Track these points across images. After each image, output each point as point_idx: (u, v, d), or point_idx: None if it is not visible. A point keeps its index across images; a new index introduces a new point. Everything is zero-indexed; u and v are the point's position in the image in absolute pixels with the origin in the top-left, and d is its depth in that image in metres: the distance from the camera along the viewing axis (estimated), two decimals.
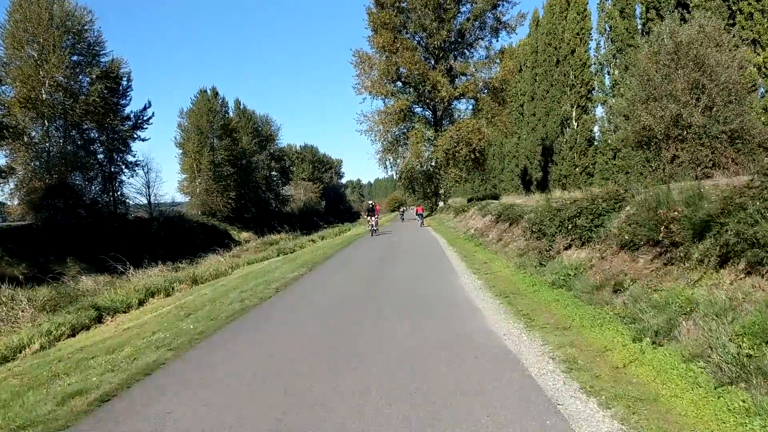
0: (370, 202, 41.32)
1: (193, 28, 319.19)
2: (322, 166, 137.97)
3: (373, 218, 35.94)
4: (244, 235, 77.59)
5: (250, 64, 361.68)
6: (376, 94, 55.85)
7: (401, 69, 55.12)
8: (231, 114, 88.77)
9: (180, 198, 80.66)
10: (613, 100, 50.83)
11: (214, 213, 77.56)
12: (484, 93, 55.52)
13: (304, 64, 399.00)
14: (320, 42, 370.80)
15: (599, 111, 52.91)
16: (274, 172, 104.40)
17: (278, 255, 28.42)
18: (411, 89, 57.04)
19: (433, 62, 56.66)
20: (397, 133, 57.86)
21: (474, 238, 24.05)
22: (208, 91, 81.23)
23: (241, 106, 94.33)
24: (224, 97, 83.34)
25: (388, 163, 58.22)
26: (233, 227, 78.01)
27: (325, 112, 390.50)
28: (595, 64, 53.05)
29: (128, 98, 64.78)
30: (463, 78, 56.47)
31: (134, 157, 66.42)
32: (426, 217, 58.22)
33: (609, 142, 51.02)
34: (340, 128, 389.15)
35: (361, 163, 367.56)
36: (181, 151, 79.48)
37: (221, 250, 36.64)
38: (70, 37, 57.05)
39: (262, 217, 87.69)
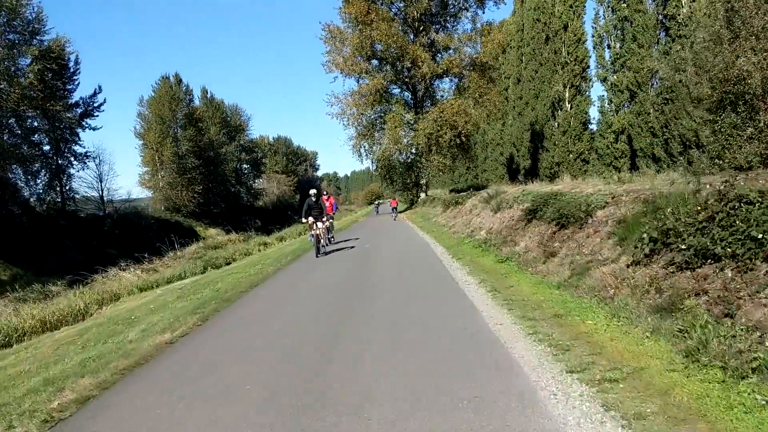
0: (313, 191, 20.16)
1: (157, 13, 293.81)
2: (296, 159, 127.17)
3: (319, 224, 18.60)
4: (212, 231, 67.72)
5: (219, 54, 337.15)
6: (348, 72, 46.31)
7: (377, 45, 45.85)
8: (197, 103, 78.45)
9: (142, 194, 70.70)
10: (614, 77, 42.75)
11: (178, 208, 67.53)
12: (470, 70, 46.27)
13: (277, 54, 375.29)
14: (294, 31, 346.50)
15: (598, 90, 44.70)
16: (245, 165, 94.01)
17: (204, 270, 18.77)
18: (388, 67, 47.53)
19: (412, 36, 47.08)
20: (372, 116, 48.30)
21: (490, 247, 14.34)
22: (171, 78, 70.91)
23: (209, 95, 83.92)
24: (188, 85, 73.12)
25: (362, 150, 48.74)
26: (199, 223, 67.98)
27: (299, 104, 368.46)
28: (594, 36, 44.35)
29: (76, 83, 54.57)
30: (446, 54, 47.15)
31: (84, 148, 56.42)
32: (405, 210, 50.03)
33: (611, 123, 42.93)
34: (316, 120, 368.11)
35: (338, 156, 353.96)
36: (141, 142, 69.21)
37: (140, 258, 27.57)
38: (3, 13, 46.86)
39: (232, 212, 77.78)
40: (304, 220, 18.84)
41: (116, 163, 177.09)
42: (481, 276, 11.11)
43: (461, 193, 30.09)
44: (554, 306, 7.86)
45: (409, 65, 45.46)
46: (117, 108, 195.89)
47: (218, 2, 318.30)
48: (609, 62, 43.41)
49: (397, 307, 9.20)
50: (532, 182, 35.47)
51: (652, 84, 39.24)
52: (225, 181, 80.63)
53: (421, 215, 36.67)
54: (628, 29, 39.72)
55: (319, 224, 18.59)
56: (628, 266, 7.79)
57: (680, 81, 35.10)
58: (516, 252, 12.56)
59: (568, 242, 10.59)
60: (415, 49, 43.98)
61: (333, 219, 23.17)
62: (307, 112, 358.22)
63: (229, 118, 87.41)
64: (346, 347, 6.83)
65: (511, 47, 53.99)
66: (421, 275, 12.50)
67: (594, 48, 44.47)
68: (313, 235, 18.89)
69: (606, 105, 43.93)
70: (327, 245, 20.35)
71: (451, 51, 46.74)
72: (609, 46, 43.35)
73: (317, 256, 17.65)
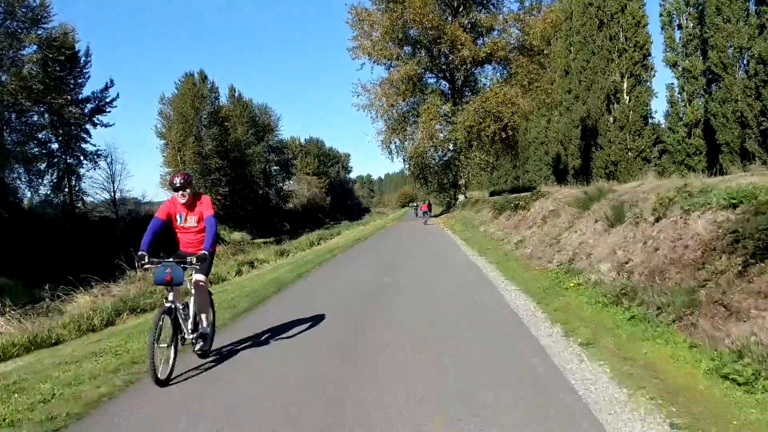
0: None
1: (184, 10, 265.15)
2: (328, 160, 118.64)
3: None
4: (236, 235, 60.58)
5: (250, 52, 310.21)
6: (377, 58, 38.39)
7: (410, 30, 38.00)
8: (224, 101, 71.45)
9: (164, 196, 63.74)
10: (687, 61, 34.72)
11: None
12: (517, 54, 37.97)
13: (310, 53, 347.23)
14: (327, 29, 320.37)
15: (667, 77, 36.76)
16: (274, 166, 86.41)
17: (114, 318, 10.20)
18: (422, 51, 39.31)
19: (450, 16, 38.69)
20: (404, 108, 40.28)
21: (646, 308, 5.88)
22: (196, 75, 63.80)
23: (236, 94, 76.50)
24: (214, 82, 65.83)
25: (393, 146, 40.62)
26: (223, 227, 60.77)
27: (332, 105, 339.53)
28: (661, 15, 36.22)
29: (86, 77, 47.76)
30: (490, 36, 38.79)
31: (95, 146, 49.91)
32: (440, 214, 43.32)
33: (682, 115, 35.47)
34: (349, 121, 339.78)
35: (372, 158, 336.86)
36: (163, 141, 62.31)
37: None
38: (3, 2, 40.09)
39: (259, 215, 70.56)
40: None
41: (139, 163, 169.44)
42: None
43: (522, 194, 21.52)
44: None
45: (447, 49, 37.32)
46: (140, 106, 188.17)
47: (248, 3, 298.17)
48: (680, 45, 35.66)
49: None
50: (592, 182, 27.17)
51: (741, 65, 30.92)
52: (252, 182, 73.09)
53: (462, 221, 28.34)
54: (711, 1, 31.36)
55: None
56: None
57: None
58: (764, 346, 4.37)
59: None
60: (455, 29, 35.72)
61: (204, 279, 6.02)
62: (340, 113, 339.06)
63: (257, 118, 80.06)
64: None
65: (557, 37, 45.69)
66: None
67: (662, 29, 37.25)
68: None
69: (676, 94, 36.14)
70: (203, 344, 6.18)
71: (495, 33, 38.49)
72: (680, 26, 35.77)
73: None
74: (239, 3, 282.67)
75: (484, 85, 40.12)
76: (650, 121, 38.12)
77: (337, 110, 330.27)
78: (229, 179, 64.91)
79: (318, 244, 27.65)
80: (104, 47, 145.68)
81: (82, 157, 48.15)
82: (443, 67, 39.80)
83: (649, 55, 37.38)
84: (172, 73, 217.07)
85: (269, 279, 12.75)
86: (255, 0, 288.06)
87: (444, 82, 41.51)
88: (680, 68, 35.44)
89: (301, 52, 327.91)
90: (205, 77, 64.74)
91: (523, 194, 21.31)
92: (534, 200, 16.87)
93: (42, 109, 44.19)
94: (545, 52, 39.14)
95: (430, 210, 41.35)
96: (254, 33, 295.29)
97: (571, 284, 8.33)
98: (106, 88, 48.90)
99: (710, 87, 34.17)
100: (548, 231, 12.59)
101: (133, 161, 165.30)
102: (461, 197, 42.16)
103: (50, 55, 42.27)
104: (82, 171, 48.51)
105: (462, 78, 40.27)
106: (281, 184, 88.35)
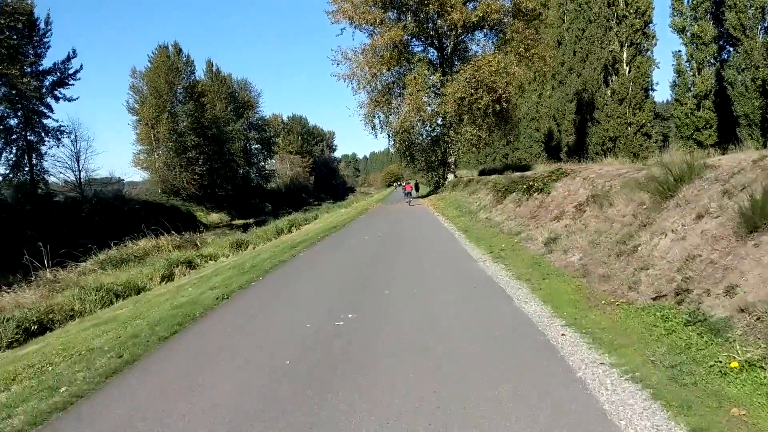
0: None
1: None
2: (312, 139, 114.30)
3: None
4: (214, 216, 56.46)
5: (228, 25, 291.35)
6: (359, 22, 33.75)
7: None
8: (201, 76, 66.89)
9: (137, 176, 59.60)
10: (697, 26, 30.98)
11: (177, 191, 55.91)
12: (512, 17, 33.73)
13: (293, 29, 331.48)
14: (310, 6, 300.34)
15: (674, 43, 33.77)
16: (255, 144, 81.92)
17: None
18: (408, 16, 34.79)
19: None
20: (389, 78, 35.81)
21: None
22: (170, 48, 58.78)
23: (214, 68, 71.66)
24: (189, 55, 60.96)
25: (377, 120, 36.19)
26: (201, 207, 56.59)
27: (316, 82, 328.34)
28: None
29: (46, 46, 42.98)
30: None
31: (57, 121, 45.50)
32: (429, 195, 39.95)
33: (690, 85, 31.60)
34: (333, 99, 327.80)
35: (357, 137, 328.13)
36: (135, 117, 57.46)
37: None
38: None
39: (239, 195, 66.38)
40: None
41: (108, 140, 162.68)
42: None
43: (528, 173, 17.25)
44: None
45: (435, 13, 32.96)
46: (109, 79, 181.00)
47: None
48: (689, 8, 31.53)
49: None
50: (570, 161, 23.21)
51: (762, 28, 27.20)
52: (231, 161, 68.41)
53: (455, 204, 24.25)
54: None
55: None
56: None
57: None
58: None
59: None
60: None
61: None
62: (325, 91, 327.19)
63: (236, 94, 75.45)
64: None
65: (549, 6, 41.44)
66: None
67: None
68: None
69: (684, 63, 32.15)
70: None
71: None
72: None
73: None
74: None
75: (476, 53, 35.75)
76: (652, 94, 34.69)
77: (321, 88, 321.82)
78: (206, 158, 60.40)
79: (289, 231, 23.41)
80: (66, 15, 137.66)
81: (43, 134, 43.65)
82: (431, 33, 35.41)
83: (651, 22, 33.67)
84: (146, 44, 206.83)
85: (184, 301, 8.58)
86: None
87: (432, 50, 37.13)
88: (689, 34, 31.60)
89: (284, 26, 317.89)
90: (180, 50, 59.92)
91: (528, 173, 17.15)
92: (554, 180, 12.73)
93: None
94: (542, 16, 34.97)
95: (416, 190, 37.61)
96: (233, 5, 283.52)
97: (733, 363, 4.07)
98: (69, 58, 44.32)
99: (721, 54, 30.64)
100: (599, 227, 8.45)
101: (102, 138, 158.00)
102: (451, 176, 38.01)
103: (4, 22, 37.43)
104: (43, 149, 44.11)
105: (451, 45, 35.91)
106: (263, 163, 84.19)
